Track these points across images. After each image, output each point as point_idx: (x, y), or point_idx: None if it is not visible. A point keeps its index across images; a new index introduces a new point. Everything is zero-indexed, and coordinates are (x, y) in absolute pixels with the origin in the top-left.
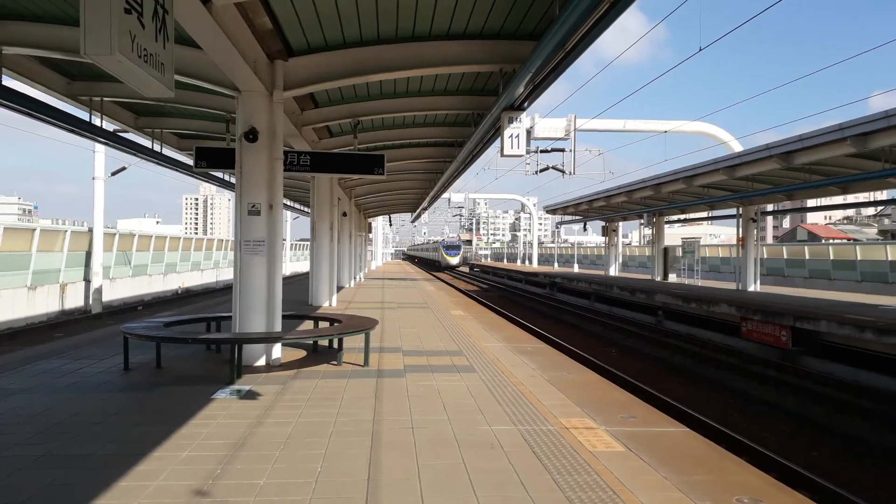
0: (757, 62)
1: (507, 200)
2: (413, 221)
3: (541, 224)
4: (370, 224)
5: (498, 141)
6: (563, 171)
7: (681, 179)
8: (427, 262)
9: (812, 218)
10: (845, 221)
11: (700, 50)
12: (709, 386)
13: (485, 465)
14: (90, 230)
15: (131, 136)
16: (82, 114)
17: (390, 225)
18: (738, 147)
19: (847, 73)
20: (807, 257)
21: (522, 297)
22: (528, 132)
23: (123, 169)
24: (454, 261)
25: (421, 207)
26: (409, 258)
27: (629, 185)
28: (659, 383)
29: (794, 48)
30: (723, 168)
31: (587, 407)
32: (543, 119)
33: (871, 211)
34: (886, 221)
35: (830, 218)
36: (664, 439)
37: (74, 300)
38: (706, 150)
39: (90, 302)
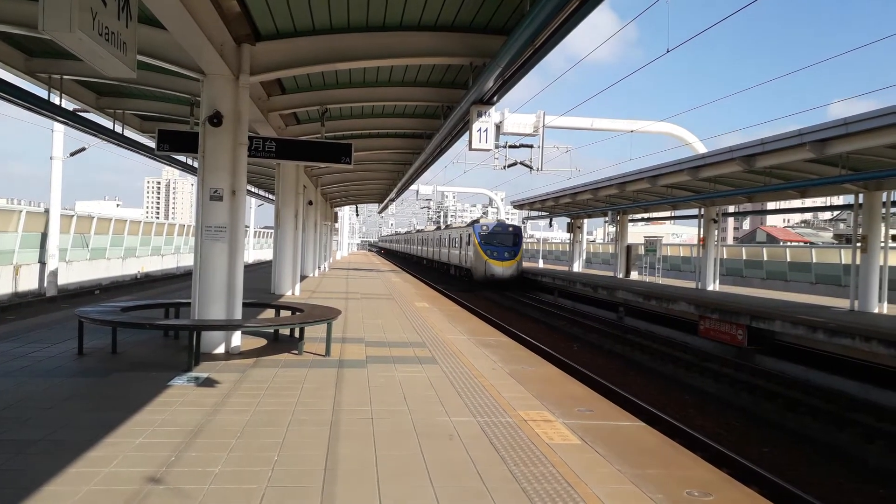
0: (723, 66)
1: (476, 194)
2: (380, 212)
3: (508, 219)
4: (336, 213)
5: (466, 134)
6: (530, 167)
7: (645, 179)
8: (421, 265)
9: (771, 220)
10: (803, 225)
11: (667, 51)
12: (666, 382)
13: (443, 456)
14: (46, 211)
15: (92, 116)
16: (41, 91)
17: (357, 215)
18: (701, 148)
19: (810, 80)
20: (765, 259)
21: (487, 290)
22: (498, 127)
23: (83, 150)
24: (505, 269)
25: (388, 198)
26: (382, 251)
27: (595, 182)
28: (618, 378)
29: (759, 53)
30: (686, 169)
31: (546, 400)
32: (513, 114)
33: (827, 215)
34: (841, 226)
35: (789, 221)
36: (620, 433)
37: (28, 282)
38: (671, 151)
39: (45, 285)
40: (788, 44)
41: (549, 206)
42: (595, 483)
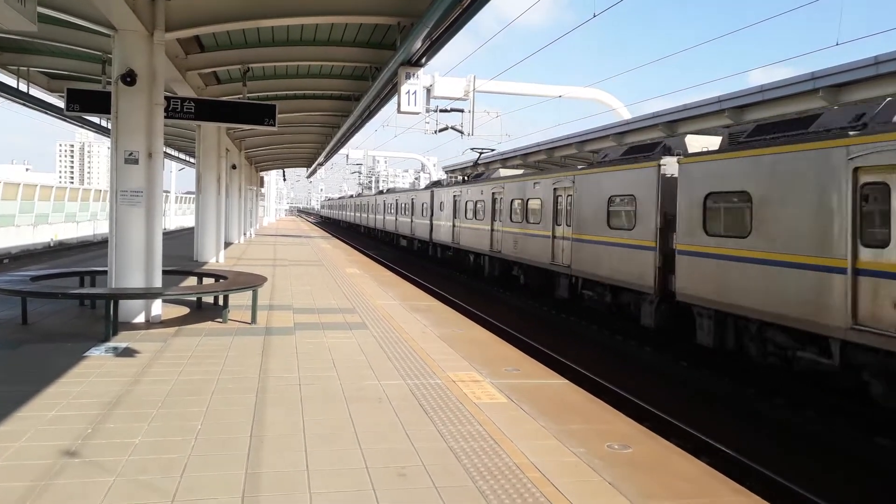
0: (649, 31)
1: (407, 159)
2: (309, 177)
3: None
4: (262, 178)
5: (395, 97)
6: (461, 132)
7: (573, 145)
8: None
9: None
10: None
11: (594, 16)
12: (589, 343)
13: (371, 419)
14: None
15: None
16: None
17: (284, 180)
18: (627, 114)
19: (732, 46)
20: None
21: (418, 257)
22: (428, 90)
23: None
24: None
25: (317, 162)
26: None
27: (524, 148)
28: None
29: (683, 20)
30: (612, 135)
31: (475, 361)
32: (443, 78)
33: None
34: None
35: None
36: (545, 391)
37: None
38: (598, 116)
39: None
40: (712, 11)
41: (480, 171)
42: (519, 439)
